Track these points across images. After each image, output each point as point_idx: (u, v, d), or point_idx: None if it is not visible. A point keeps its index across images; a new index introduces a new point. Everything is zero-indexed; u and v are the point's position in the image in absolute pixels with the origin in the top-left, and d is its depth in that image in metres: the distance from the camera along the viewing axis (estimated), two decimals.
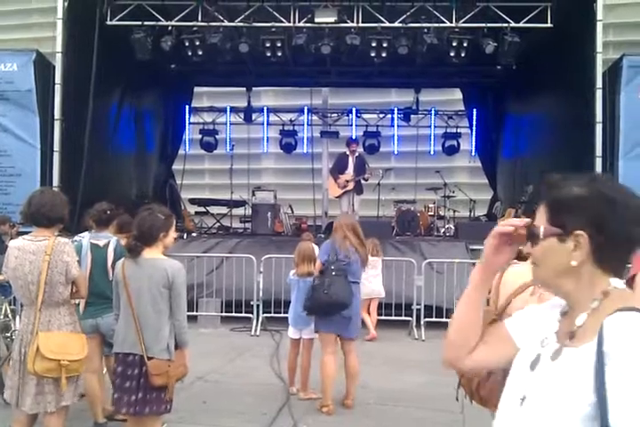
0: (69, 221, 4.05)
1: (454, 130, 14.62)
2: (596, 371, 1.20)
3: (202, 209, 13.70)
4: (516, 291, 2.69)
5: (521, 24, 9.32)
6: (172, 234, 3.78)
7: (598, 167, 8.71)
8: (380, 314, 8.27)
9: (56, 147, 9.02)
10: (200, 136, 14.62)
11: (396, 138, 14.72)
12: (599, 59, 8.71)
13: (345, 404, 5.28)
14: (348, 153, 11.55)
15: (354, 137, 13.33)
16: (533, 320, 1.48)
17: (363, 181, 11.49)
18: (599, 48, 8.71)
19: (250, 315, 8.50)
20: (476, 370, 1.67)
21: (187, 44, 9.94)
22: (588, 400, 1.20)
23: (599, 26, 8.72)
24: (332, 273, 5.09)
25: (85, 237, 4.73)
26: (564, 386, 1.27)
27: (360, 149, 12.54)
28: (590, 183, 1.37)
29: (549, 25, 9.13)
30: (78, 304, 4.32)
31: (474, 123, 14.28)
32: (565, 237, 1.34)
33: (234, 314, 8.60)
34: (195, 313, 8.31)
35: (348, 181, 11.32)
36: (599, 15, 8.72)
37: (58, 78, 9.02)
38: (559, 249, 1.35)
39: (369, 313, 8.10)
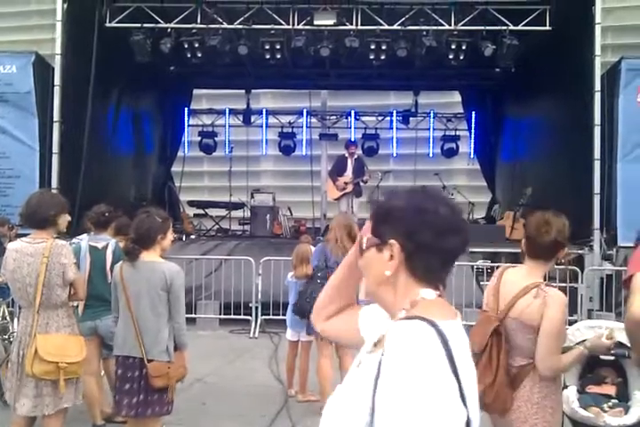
0: (70, 223, 4.04)
1: (453, 132, 14.64)
2: (374, 380, 1.19)
3: (201, 211, 13.69)
4: (518, 293, 2.69)
5: (519, 27, 9.33)
6: (170, 236, 3.78)
7: (597, 170, 8.72)
8: None
9: (55, 149, 9.01)
10: (199, 138, 14.62)
11: (394, 140, 14.72)
12: (598, 62, 8.72)
13: None
14: (346, 155, 11.55)
15: (352, 139, 13.34)
16: (377, 319, 1.47)
17: (362, 184, 11.49)
18: (597, 51, 8.72)
19: (248, 317, 8.49)
20: (325, 334, 1.67)
21: (186, 46, 9.95)
22: (369, 410, 1.19)
23: (597, 29, 8.74)
24: (317, 281, 5.02)
25: (84, 240, 4.73)
26: (356, 393, 1.27)
27: (359, 152, 12.54)
28: (408, 194, 1.39)
29: (548, 28, 9.15)
30: (77, 306, 4.32)
31: (473, 125, 14.29)
32: (382, 247, 1.34)
33: (232, 316, 8.60)
34: (193, 315, 8.30)
35: (346, 184, 11.32)
36: (597, 18, 8.74)
37: (57, 80, 9.02)
38: (377, 259, 1.35)
39: None
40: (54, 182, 8.90)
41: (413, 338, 1.20)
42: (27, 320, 3.69)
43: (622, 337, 3.31)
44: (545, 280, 2.78)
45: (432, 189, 1.47)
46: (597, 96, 8.71)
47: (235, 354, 7.22)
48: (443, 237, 1.32)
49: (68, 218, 3.91)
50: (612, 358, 2.91)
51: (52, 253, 3.65)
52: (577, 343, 2.89)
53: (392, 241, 1.32)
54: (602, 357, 3.02)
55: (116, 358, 3.72)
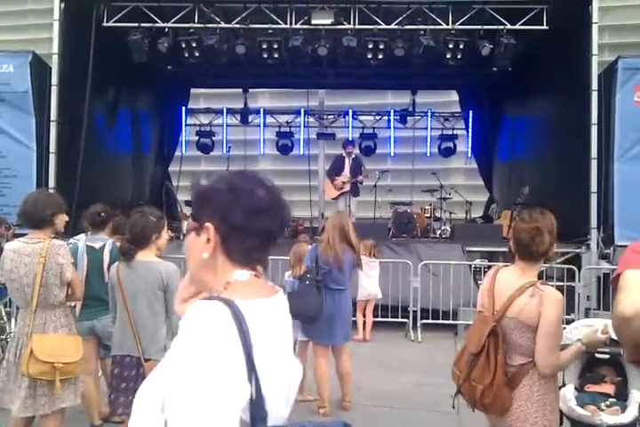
0: (68, 223, 4.03)
1: (450, 132, 14.66)
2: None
3: None
4: (514, 293, 2.69)
5: (517, 26, 9.34)
6: (165, 235, 3.78)
7: (594, 169, 8.74)
8: (376, 316, 8.27)
9: (52, 148, 9.00)
10: (197, 138, 14.62)
11: (392, 140, 14.74)
12: (595, 61, 8.74)
13: (342, 406, 5.29)
14: (344, 155, 11.56)
15: (350, 139, 13.35)
16: None
17: (359, 183, 11.51)
18: (595, 50, 8.74)
19: None
20: (180, 315, 1.61)
21: (183, 45, 9.94)
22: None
23: (594, 28, 8.75)
24: (306, 282, 4.99)
25: (81, 240, 4.72)
26: (159, 375, 1.31)
27: (356, 151, 12.54)
28: (223, 177, 1.41)
29: (545, 27, 9.16)
30: (74, 306, 4.31)
31: (470, 125, 14.32)
32: (200, 231, 1.36)
33: None
34: None
35: (344, 183, 11.33)
36: (594, 17, 8.76)
37: (54, 80, 9.01)
38: (196, 242, 1.37)
39: (364, 315, 8.10)
40: (51, 182, 8.88)
41: (199, 317, 1.22)
42: (24, 320, 3.68)
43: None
44: (540, 278, 2.79)
45: (250, 171, 1.47)
46: (594, 95, 8.73)
47: None
48: (256, 218, 1.33)
49: (66, 218, 3.90)
50: (608, 356, 2.92)
51: (50, 253, 3.65)
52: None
53: (207, 224, 1.33)
54: (598, 356, 3.03)
55: (112, 357, 3.72)
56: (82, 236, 4.84)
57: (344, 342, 5.28)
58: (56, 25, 9.07)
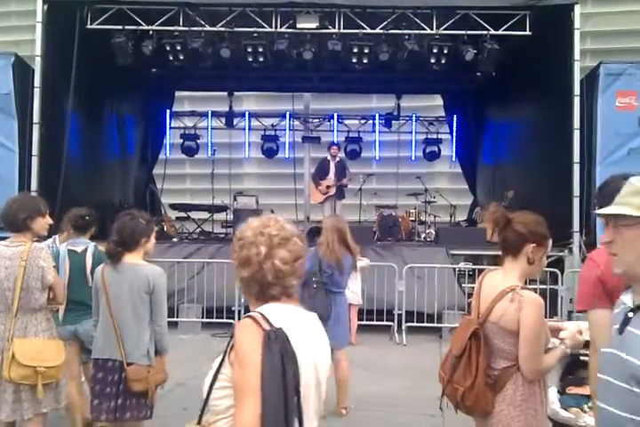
0: (51, 226, 3.99)
1: (435, 136, 14.75)
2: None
3: (183, 214, 13.61)
4: (495, 297, 2.70)
5: (500, 32, 9.42)
6: (153, 240, 3.77)
7: (576, 173, 8.83)
8: (361, 319, 8.28)
9: (35, 151, 8.91)
10: (181, 141, 14.54)
11: (377, 143, 14.79)
12: (577, 66, 8.84)
13: (337, 411, 5.25)
14: (329, 158, 11.58)
15: (335, 141, 13.38)
16: None
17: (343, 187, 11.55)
18: (577, 56, 8.84)
19: (231, 320, 8.45)
20: None
21: (168, 48, 9.90)
22: None
23: (577, 34, 8.86)
24: (313, 286, 5.03)
25: (63, 244, 4.67)
26: None
27: (341, 155, 12.57)
28: None
29: (528, 33, 9.25)
30: (57, 311, 4.27)
31: (454, 129, 14.42)
32: None
33: (215, 320, 8.56)
34: (175, 319, 8.25)
35: (329, 187, 11.35)
36: (576, 24, 8.86)
37: (37, 82, 8.93)
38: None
39: (349, 318, 8.09)
40: (34, 185, 8.80)
41: None
42: (4, 324, 3.64)
43: None
44: (525, 282, 2.80)
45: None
46: (577, 100, 8.83)
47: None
48: None
49: (48, 221, 3.86)
50: (587, 358, 2.95)
51: (31, 257, 3.61)
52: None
53: None
54: (582, 358, 3.05)
55: (94, 361, 3.68)
56: (51, 239, 4.81)
57: (344, 344, 5.28)
58: (39, 27, 9.00)
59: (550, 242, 2.80)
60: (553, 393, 3.10)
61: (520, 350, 2.63)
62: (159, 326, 3.63)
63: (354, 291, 7.95)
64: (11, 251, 3.64)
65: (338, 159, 11.63)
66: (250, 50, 9.96)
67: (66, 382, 3.93)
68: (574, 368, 3.25)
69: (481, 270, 8.22)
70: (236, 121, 14.85)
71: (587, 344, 2.82)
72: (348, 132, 14.71)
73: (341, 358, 5.24)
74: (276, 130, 14.71)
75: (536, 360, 2.64)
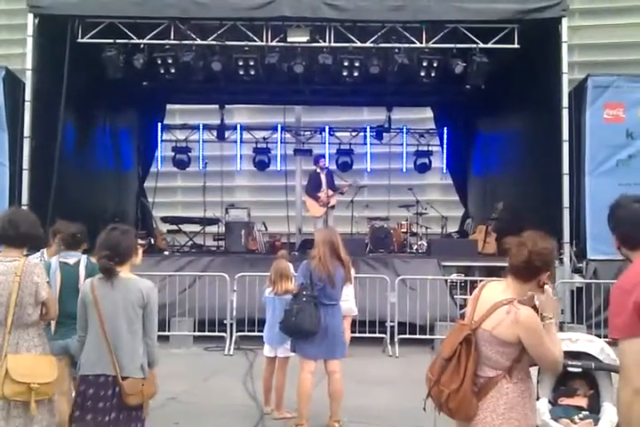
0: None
1: (426, 148, 14.85)
2: None
3: (174, 227, 13.59)
4: (491, 307, 2.73)
5: (489, 45, 9.52)
6: (140, 252, 3.79)
7: (566, 184, 8.89)
8: (354, 331, 8.24)
9: (25, 165, 8.89)
10: (172, 153, 14.56)
11: (368, 156, 14.87)
12: (565, 79, 8.94)
13: (330, 425, 5.21)
14: (318, 171, 11.62)
15: (327, 154, 13.44)
16: None
17: (340, 195, 11.59)
18: (565, 68, 8.94)
19: (223, 334, 8.42)
20: None
21: (159, 61, 9.94)
22: None
23: (564, 47, 8.97)
24: (303, 299, 5.03)
25: (54, 257, 4.66)
26: None
27: (333, 167, 12.61)
28: None
29: (516, 46, 9.35)
30: (49, 325, 4.24)
31: (445, 141, 14.51)
32: None
33: (207, 333, 8.51)
34: (167, 333, 8.20)
35: (329, 197, 11.29)
36: (564, 37, 8.97)
37: (28, 95, 8.93)
38: None
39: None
40: (25, 199, 8.77)
41: None
42: None
43: (589, 348, 3.36)
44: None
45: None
46: (565, 112, 8.92)
47: (209, 372, 7.14)
48: None
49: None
50: (580, 370, 2.96)
51: (25, 272, 3.60)
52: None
53: None
54: (570, 369, 3.07)
55: (81, 377, 3.64)
56: (39, 253, 4.80)
57: (341, 356, 5.26)
58: (30, 40, 9.01)
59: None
60: (544, 404, 3.11)
61: (535, 356, 2.66)
62: (151, 339, 3.63)
63: (347, 302, 7.95)
64: (4, 266, 3.62)
65: (326, 171, 11.65)
66: (241, 63, 10.02)
67: (56, 397, 3.90)
68: (566, 380, 3.26)
69: (473, 282, 8.29)
70: (227, 134, 14.88)
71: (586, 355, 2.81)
72: (340, 144, 14.78)
73: (335, 370, 5.21)
74: (267, 142, 14.76)
75: (550, 354, 2.66)
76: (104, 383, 3.52)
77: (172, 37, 9.58)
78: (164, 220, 13.70)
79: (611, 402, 3.10)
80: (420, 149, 14.81)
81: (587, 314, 8.44)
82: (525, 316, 2.66)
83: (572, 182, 9.02)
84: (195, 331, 8.60)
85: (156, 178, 14.59)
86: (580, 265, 9.13)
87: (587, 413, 3.12)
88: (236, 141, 14.87)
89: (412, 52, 9.99)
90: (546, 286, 2.76)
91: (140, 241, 3.85)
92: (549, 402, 3.18)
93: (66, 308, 4.28)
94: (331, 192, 11.29)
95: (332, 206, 11.61)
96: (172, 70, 10.03)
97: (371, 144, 14.84)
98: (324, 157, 12.33)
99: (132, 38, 9.60)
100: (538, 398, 3.10)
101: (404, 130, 14.82)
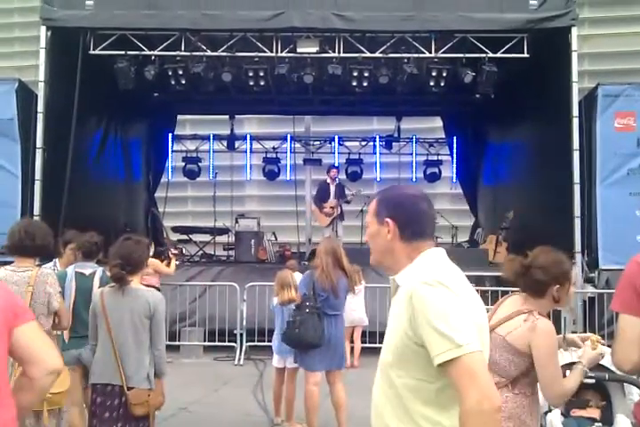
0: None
1: (435, 157, 14.83)
2: None
3: (185, 237, 13.63)
4: (511, 314, 2.75)
5: (498, 54, 9.53)
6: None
7: (577, 193, 8.84)
8: (364, 342, 8.23)
9: (37, 175, 8.95)
10: (183, 164, 14.64)
11: (378, 165, 14.87)
12: (575, 88, 8.91)
13: None
14: (328, 181, 11.64)
15: (336, 164, 13.46)
16: None
17: (345, 205, 11.61)
18: (575, 77, 8.91)
19: (233, 344, 8.41)
20: None
21: (170, 73, 10.02)
22: None
23: (574, 56, 8.94)
24: (306, 310, 5.04)
25: (70, 267, 4.68)
26: None
27: (342, 177, 12.64)
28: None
29: (526, 55, 9.34)
30: (61, 334, 4.26)
31: (454, 150, 14.50)
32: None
33: (217, 343, 8.51)
34: (177, 343, 8.21)
35: (333, 208, 11.35)
36: (574, 46, 8.96)
37: (40, 107, 9.01)
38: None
39: (352, 341, 8.05)
40: (36, 209, 8.82)
41: None
42: None
43: (603, 360, 3.34)
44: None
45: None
46: (575, 122, 8.88)
47: (219, 382, 7.14)
48: None
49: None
50: (593, 380, 2.93)
51: (38, 282, 3.63)
52: (566, 364, 2.91)
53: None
54: (584, 380, 3.04)
55: (92, 385, 3.66)
56: (51, 263, 4.83)
57: (340, 366, 5.24)
58: (42, 53, 9.11)
59: (572, 273, 2.83)
60: (556, 416, 3.08)
61: (540, 380, 2.68)
62: (158, 350, 3.65)
63: (357, 312, 7.94)
64: (18, 276, 3.65)
65: (337, 182, 11.68)
66: (251, 74, 10.08)
67: (67, 407, 3.91)
68: (578, 390, 3.23)
69: (484, 292, 8.23)
70: (237, 144, 14.95)
71: (598, 366, 2.82)
72: (349, 154, 14.79)
73: (337, 381, 5.20)
74: (277, 152, 14.80)
75: (557, 384, 2.68)
76: (111, 393, 3.55)
77: (182, 49, 9.66)
78: (175, 230, 13.75)
79: (623, 414, 3.07)
80: (430, 158, 14.80)
81: (599, 324, 8.36)
82: (543, 325, 2.67)
83: (583, 192, 8.97)
84: (205, 341, 8.61)
85: (167, 188, 14.66)
86: (592, 275, 9.06)
87: (600, 424, 3.09)
88: (245, 151, 14.91)
89: (422, 62, 10.02)
90: (599, 345, 2.81)
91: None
92: (562, 414, 3.15)
93: (79, 318, 4.30)
94: (335, 203, 11.32)
95: (342, 216, 11.64)
96: (183, 81, 10.11)
97: (380, 154, 14.85)
98: (337, 167, 12.35)
99: (143, 50, 9.69)
100: (550, 410, 3.08)
101: (414, 139, 14.82)
